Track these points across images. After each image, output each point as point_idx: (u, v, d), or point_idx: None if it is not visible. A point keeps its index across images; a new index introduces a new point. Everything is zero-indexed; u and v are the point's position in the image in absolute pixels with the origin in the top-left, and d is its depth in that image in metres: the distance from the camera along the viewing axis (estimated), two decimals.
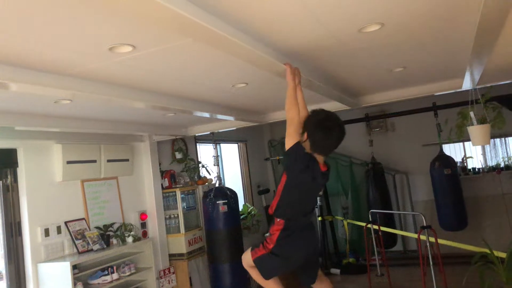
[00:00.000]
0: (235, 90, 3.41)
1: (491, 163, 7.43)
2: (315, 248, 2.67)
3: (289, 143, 2.34)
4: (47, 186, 4.03)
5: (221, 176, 7.27)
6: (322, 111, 2.50)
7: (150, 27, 1.85)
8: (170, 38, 2.01)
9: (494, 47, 2.58)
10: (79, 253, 4.04)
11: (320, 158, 2.43)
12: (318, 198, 2.38)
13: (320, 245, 7.58)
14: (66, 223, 4.10)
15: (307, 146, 2.40)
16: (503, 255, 3.35)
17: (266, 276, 2.54)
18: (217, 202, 5.22)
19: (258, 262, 2.50)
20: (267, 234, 2.56)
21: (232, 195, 5.43)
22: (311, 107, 4.75)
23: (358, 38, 2.39)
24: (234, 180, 7.88)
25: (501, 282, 3.15)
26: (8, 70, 2.11)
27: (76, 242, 4.06)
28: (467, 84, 3.80)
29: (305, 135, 2.40)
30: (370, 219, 6.10)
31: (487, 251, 3.24)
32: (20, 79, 2.17)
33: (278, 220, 2.46)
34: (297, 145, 2.33)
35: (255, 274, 2.59)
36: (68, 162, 4.15)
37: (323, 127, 2.39)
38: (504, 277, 2.95)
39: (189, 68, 2.63)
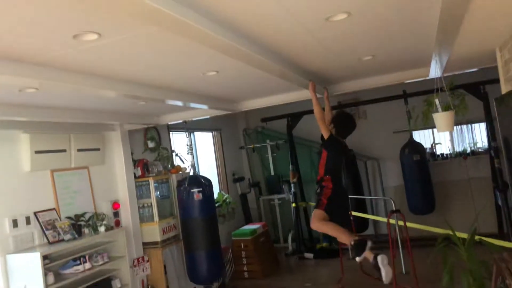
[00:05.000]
0: (206, 78, 3.40)
1: (458, 148, 7.67)
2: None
3: (325, 134, 3.79)
4: (15, 176, 3.94)
5: (195, 164, 7.26)
6: (342, 112, 4.29)
7: (116, 14, 1.82)
8: (137, 25, 1.99)
9: (456, 36, 2.66)
10: (50, 243, 3.98)
11: (341, 140, 3.89)
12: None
13: (294, 230, 7.73)
14: (35, 213, 4.02)
15: (333, 132, 3.81)
16: (465, 235, 3.48)
17: (331, 216, 3.63)
18: (192, 190, 5.22)
19: (326, 208, 3.62)
20: (319, 191, 3.79)
21: (207, 183, 5.43)
22: (283, 95, 4.82)
23: (326, 27, 2.42)
24: (208, 169, 7.89)
25: (462, 261, 3.29)
26: None
27: (46, 232, 4.00)
28: (433, 72, 3.91)
29: (332, 126, 3.84)
30: None
31: (451, 232, 3.37)
32: None
33: (327, 176, 3.77)
34: (332, 135, 3.78)
35: (328, 228, 3.61)
36: (37, 152, 4.06)
37: (343, 122, 3.91)
38: (465, 255, 3.09)
39: (157, 56, 2.61)
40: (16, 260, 3.70)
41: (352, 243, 3.34)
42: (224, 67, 3.14)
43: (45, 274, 3.66)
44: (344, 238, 3.42)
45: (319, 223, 3.59)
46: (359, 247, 3.29)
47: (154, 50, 2.45)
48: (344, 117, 4.06)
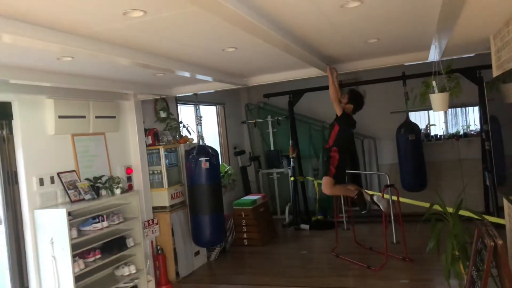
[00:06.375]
0: (224, 53, 3.67)
1: (452, 130, 8.04)
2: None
3: (339, 112, 4.56)
4: (41, 139, 4.24)
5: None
6: (357, 92, 4.99)
7: None
8: (178, 5, 2.26)
9: (456, 23, 2.95)
10: (72, 202, 4.32)
11: (352, 115, 4.72)
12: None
13: (291, 203, 8.13)
14: (58, 174, 4.34)
15: (349, 108, 4.66)
16: (452, 210, 3.82)
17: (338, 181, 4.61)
18: (200, 159, 5.55)
19: (334, 176, 4.54)
20: (326, 159, 4.68)
21: (214, 153, 5.76)
22: (289, 72, 5.11)
23: (340, 12, 2.70)
24: (211, 141, 8.20)
25: (448, 232, 3.65)
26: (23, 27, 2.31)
27: (69, 191, 4.33)
28: (432, 56, 4.21)
29: (350, 104, 4.64)
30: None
31: (439, 207, 3.71)
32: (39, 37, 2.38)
33: (334, 148, 4.59)
34: (344, 112, 4.57)
35: (338, 190, 4.77)
36: (60, 117, 4.35)
37: (357, 100, 4.72)
38: (451, 222, 3.45)
39: (188, 32, 2.88)
40: (43, 215, 4.04)
41: (355, 197, 4.72)
42: (243, 44, 3.42)
43: (69, 229, 4.01)
44: (350, 193, 4.78)
45: (329, 189, 4.62)
46: (361, 201, 4.69)
47: (187, 27, 2.72)
48: (359, 95, 4.91)
